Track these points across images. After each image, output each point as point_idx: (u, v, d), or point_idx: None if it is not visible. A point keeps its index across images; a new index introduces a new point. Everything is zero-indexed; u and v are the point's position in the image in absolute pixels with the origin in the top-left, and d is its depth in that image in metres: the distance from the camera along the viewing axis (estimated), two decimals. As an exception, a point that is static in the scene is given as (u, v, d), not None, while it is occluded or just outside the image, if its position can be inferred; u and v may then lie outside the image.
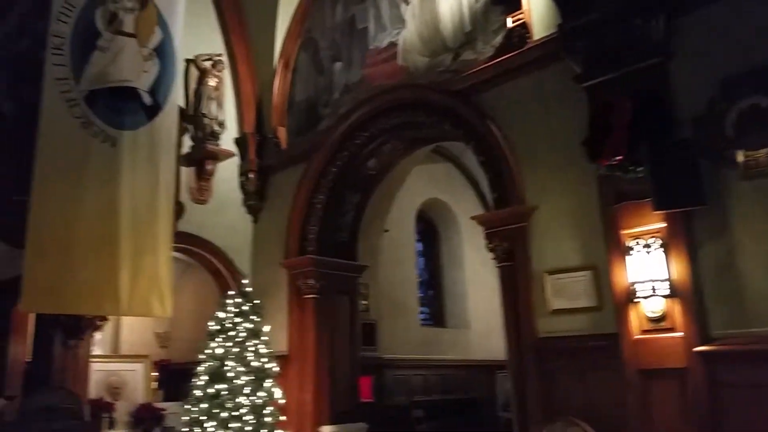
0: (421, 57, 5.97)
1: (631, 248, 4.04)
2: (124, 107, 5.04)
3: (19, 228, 4.69)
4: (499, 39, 5.33)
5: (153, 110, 5.21)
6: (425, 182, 9.28)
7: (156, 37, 5.28)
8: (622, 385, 4.00)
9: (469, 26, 5.58)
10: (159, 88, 5.25)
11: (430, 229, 10.24)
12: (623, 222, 4.14)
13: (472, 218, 5.68)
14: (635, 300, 4.00)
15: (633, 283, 4.00)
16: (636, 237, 4.05)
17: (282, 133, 7.31)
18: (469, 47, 5.56)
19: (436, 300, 10.06)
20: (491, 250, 5.14)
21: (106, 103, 4.93)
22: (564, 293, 4.63)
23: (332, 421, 6.30)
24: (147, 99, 5.17)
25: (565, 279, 4.64)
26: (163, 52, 5.31)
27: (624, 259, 4.08)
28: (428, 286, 10.05)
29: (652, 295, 3.92)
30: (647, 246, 3.98)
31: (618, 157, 3.98)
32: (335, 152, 6.68)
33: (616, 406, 4.03)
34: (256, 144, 7.32)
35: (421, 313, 9.47)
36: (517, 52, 5.13)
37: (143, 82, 5.15)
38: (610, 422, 4.04)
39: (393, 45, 6.25)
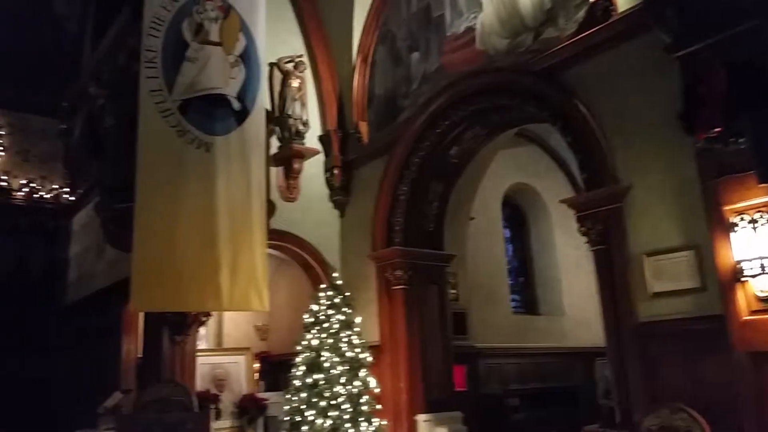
0: (500, 39, 5.84)
1: (735, 225, 3.80)
2: (215, 113, 5.28)
3: (126, 234, 5.04)
4: (581, 14, 5.12)
5: (242, 115, 5.43)
6: (510, 167, 9.10)
7: (240, 44, 5.50)
8: (731, 369, 3.78)
9: (549, 3, 5.40)
10: (246, 93, 5.46)
11: (518, 215, 10.04)
12: (725, 197, 3.88)
13: (562, 201, 5.52)
14: (742, 279, 3.76)
15: (739, 262, 3.76)
16: (740, 212, 3.80)
17: (363, 127, 7.40)
18: (550, 25, 5.38)
19: (527, 287, 9.87)
20: (584, 233, 4.98)
21: (198, 110, 5.19)
22: (664, 275, 4.42)
23: (427, 410, 6.34)
24: (236, 104, 5.40)
25: (665, 260, 4.43)
26: (247, 57, 5.51)
27: (728, 237, 3.84)
28: (518, 273, 9.86)
29: (760, 274, 3.67)
30: (753, 221, 3.73)
31: (717, 129, 3.74)
32: (417, 143, 6.68)
33: (726, 391, 3.82)
34: (339, 140, 7.46)
35: (513, 300, 9.33)
36: (601, 26, 4.91)
37: (231, 89, 5.37)
38: (719, 408, 3.81)
39: (470, 30, 6.15)
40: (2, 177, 10.15)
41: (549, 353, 8.89)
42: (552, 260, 9.77)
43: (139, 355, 6.59)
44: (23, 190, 10.21)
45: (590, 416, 6.44)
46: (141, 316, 6.40)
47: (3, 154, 10.42)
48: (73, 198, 10.20)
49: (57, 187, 10.59)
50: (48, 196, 10.40)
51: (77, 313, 9.25)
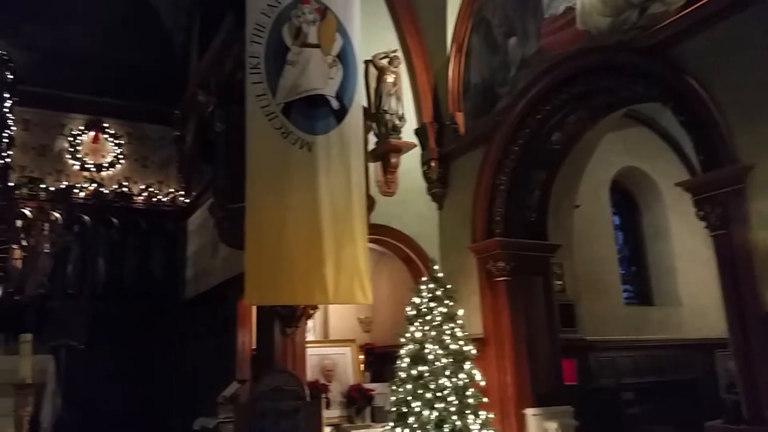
0: (603, 17, 5.56)
1: None
2: (316, 114, 5.45)
3: (239, 232, 5.31)
4: (690, -15, 4.78)
5: (340, 113, 5.56)
6: (617, 150, 8.67)
7: (337, 44, 5.62)
8: None
9: (654, -23, 5.08)
10: (344, 92, 5.59)
11: (627, 201, 9.55)
12: None
13: (677, 185, 5.19)
14: None
15: None
16: None
17: (460, 118, 7.33)
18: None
19: (639, 276, 9.38)
20: (702, 218, 4.66)
21: (299, 112, 5.38)
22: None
23: (536, 404, 6.21)
24: (335, 104, 5.54)
25: (794, 244, 4.06)
26: (344, 57, 5.63)
27: None
28: (630, 262, 9.40)
29: None
30: None
31: None
32: (516, 130, 6.53)
33: None
34: (436, 132, 7.44)
35: (625, 291, 8.91)
36: (713, -4, 4.57)
37: (330, 89, 5.52)
38: None
39: (570, 9, 5.91)
40: (124, 183, 10.99)
41: (665, 345, 8.42)
42: (666, 247, 9.23)
43: (254, 347, 6.94)
44: (143, 194, 11.01)
45: (712, 411, 6.05)
46: (254, 309, 6.73)
47: (124, 161, 11.29)
48: (188, 200, 10.91)
49: (173, 190, 11.34)
50: (165, 199, 11.15)
51: (196, 308, 9.88)
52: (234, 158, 5.57)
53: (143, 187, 11.13)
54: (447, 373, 5.30)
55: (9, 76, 9.67)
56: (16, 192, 9.76)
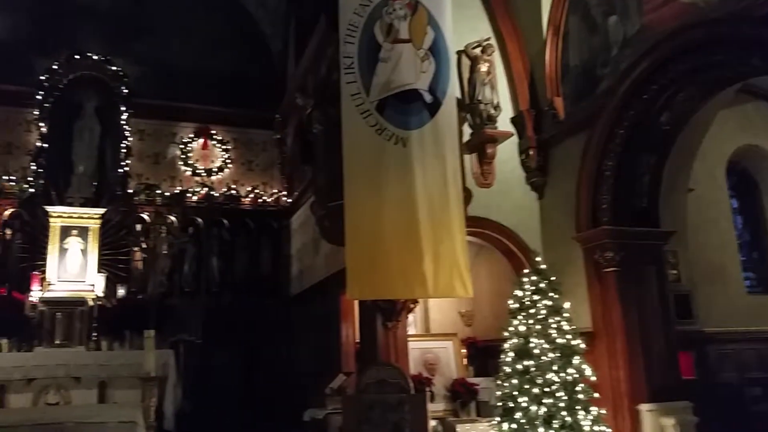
0: (712, -13, 5.18)
1: None
2: (409, 109, 5.45)
3: (339, 229, 5.44)
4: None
5: (434, 107, 5.52)
6: (733, 128, 8.06)
7: (429, 37, 5.59)
8: None
9: (772, -64, 4.65)
10: (437, 85, 5.55)
11: (746, 182, 8.85)
12: None
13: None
14: None
15: None
16: None
17: (559, 103, 7.07)
18: (774, -38, 4.63)
19: (763, 263, 8.67)
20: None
21: (393, 108, 5.41)
22: None
23: (651, 399, 5.90)
24: (428, 97, 5.51)
25: None
26: (436, 50, 5.59)
27: None
28: (751, 247, 8.71)
29: None
30: None
31: None
32: (621, 113, 6.20)
33: None
34: (533, 119, 7.22)
35: (746, 279, 8.27)
36: None
37: (423, 82, 5.50)
38: None
39: (674, -17, 5.54)
40: (232, 186, 11.59)
41: (797, 337, 7.74)
42: (793, 231, 8.48)
43: (357, 341, 7.09)
44: (249, 196, 11.56)
45: None
46: (356, 304, 6.87)
47: (231, 165, 11.90)
48: (290, 200, 11.33)
49: (276, 191, 11.83)
50: (270, 199, 11.66)
51: (302, 303, 10.25)
52: (332, 157, 5.69)
53: (249, 189, 11.67)
54: (555, 367, 5.16)
55: (124, 91, 10.46)
56: (135, 198, 10.55)
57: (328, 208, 6.01)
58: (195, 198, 11.14)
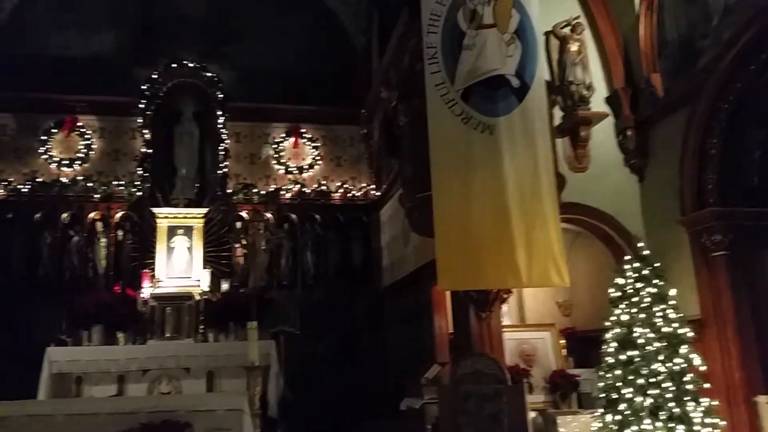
0: (830, -60, 4.71)
1: None
2: (496, 95, 5.35)
3: (427, 220, 5.44)
4: None
5: (522, 91, 5.39)
6: None
7: (514, 21, 5.46)
8: None
9: None
10: (524, 69, 5.41)
11: None
12: None
13: None
14: None
15: None
16: None
17: (656, 79, 6.69)
18: None
19: None
20: None
21: (479, 95, 5.33)
22: None
23: (770, 391, 5.50)
24: (515, 82, 5.39)
25: None
26: (522, 32, 5.45)
27: None
28: None
29: None
30: None
31: None
32: (725, 86, 5.77)
33: None
34: (629, 98, 6.88)
35: None
36: None
37: (509, 67, 5.38)
38: None
39: (784, -60, 5.09)
40: (322, 182, 11.88)
41: None
42: None
43: (450, 331, 7.08)
44: (339, 191, 11.82)
45: None
46: (448, 294, 6.85)
47: (321, 162, 12.19)
48: (378, 193, 11.46)
49: (365, 185, 12.01)
50: (358, 194, 11.86)
51: (394, 294, 10.36)
52: (418, 149, 5.70)
53: (339, 184, 11.92)
54: (660, 357, 4.93)
55: (219, 96, 10.95)
56: (234, 198, 11.06)
57: (416, 199, 6.02)
58: (288, 195, 11.51)
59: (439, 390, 5.74)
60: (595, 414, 5.32)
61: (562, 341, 7.06)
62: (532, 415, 5.92)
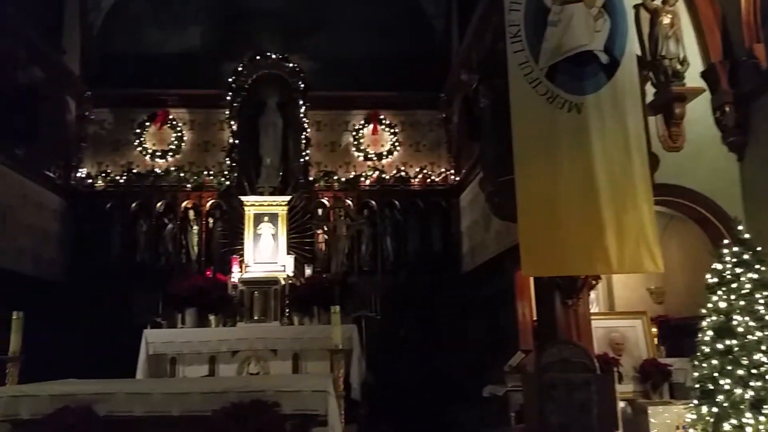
0: None
1: None
2: (583, 72, 5.11)
3: (510, 204, 5.31)
4: None
5: (611, 68, 5.13)
6: None
7: (603, -6, 5.20)
8: None
9: None
10: (613, 44, 5.14)
11: None
12: None
13: None
14: None
15: None
16: None
17: (759, 50, 6.21)
18: None
19: None
20: None
21: (565, 72, 5.10)
22: None
23: None
24: (603, 58, 5.12)
25: None
26: (611, 6, 5.17)
27: None
28: None
29: None
30: None
31: None
32: (840, 54, 5.30)
33: None
34: (728, 72, 6.44)
35: None
36: None
37: (597, 42, 5.12)
38: None
39: None
40: (401, 168, 11.91)
41: None
42: None
43: (534, 318, 6.93)
44: (418, 176, 11.82)
45: None
46: (531, 280, 6.70)
47: (400, 148, 12.21)
48: (458, 178, 11.37)
49: (444, 170, 11.94)
50: (437, 179, 11.82)
51: (474, 280, 10.26)
52: (500, 131, 5.55)
53: (418, 169, 11.92)
54: (763, 347, 4.61)
55: (301, 85, 11.17)
56: (316, 185, 11.31)
57: (497, 183, 5.88)
58: (368, 182, 11.63)
59: (524, 378, 5.64)
60: (689, 405, 5.05)
61: (654, 329, 6.76)
62: (621, 405, 5.72)
